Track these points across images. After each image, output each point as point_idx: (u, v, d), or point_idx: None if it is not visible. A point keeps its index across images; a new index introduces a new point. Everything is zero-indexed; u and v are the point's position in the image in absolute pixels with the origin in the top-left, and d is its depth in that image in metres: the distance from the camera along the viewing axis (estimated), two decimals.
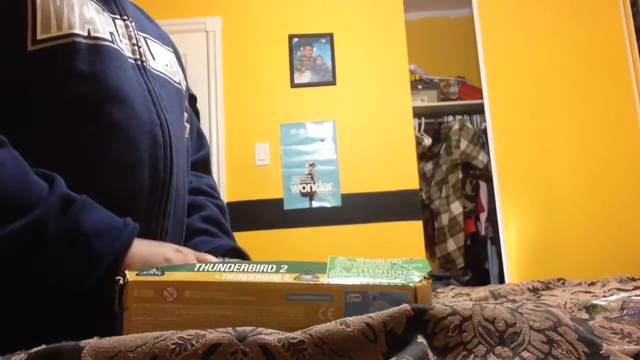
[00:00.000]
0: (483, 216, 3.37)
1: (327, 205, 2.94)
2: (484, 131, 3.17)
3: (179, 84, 0.89)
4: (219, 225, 0.93)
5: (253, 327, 0.43)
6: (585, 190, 2.85)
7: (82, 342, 0.42)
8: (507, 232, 2.85)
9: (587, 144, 2.89)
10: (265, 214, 2.91)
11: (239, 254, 0.88)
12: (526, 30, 3.01)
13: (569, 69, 2.95)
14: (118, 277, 0.53)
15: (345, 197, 2.95)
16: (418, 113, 3.37)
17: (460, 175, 3.37)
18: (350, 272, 0.55)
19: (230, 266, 0.56)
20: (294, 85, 3.06)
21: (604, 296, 1.12)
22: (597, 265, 2.64)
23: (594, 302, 0.98)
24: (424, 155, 3.50)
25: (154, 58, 0.83)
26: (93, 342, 0.42)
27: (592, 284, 1.47)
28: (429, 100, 3.45)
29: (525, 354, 0.44)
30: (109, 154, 0.69)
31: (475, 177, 3.39)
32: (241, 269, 0.55)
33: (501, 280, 2.97)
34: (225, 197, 2.86)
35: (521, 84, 2.96)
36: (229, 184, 2.95)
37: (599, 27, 2.99)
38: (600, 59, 2.95)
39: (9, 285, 0.60)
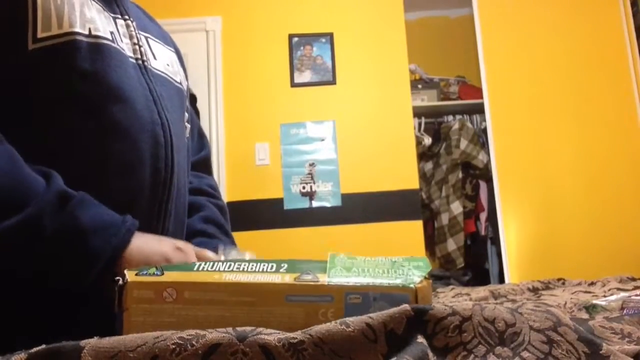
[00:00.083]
0: (483, 216, 3.37)
1: (327, 205, 2.94)
2: (484, 131, 3.17)
3: (180, 83, 0.89)
4: (218, 225, 0.93)
5: (253, 327, 0.43)
6: (585, 190, 2.85)
7: (82, 342, 0.42)
8: (507, 232, 2.85)
9: (587, 143, 2.89)
10: (265, 214, 2.91)
11: None
12: (526, 30, 3.01)
13: (569, 69, 2.95)
14: (117, 278, 0.53)
15: (345, 197, 2.95)
16: (418, 113, 3.37)
17: (460, 175, 3.37)
18: (351, 272, 0.55)
19: (230, 265, 0.56)
20: (294, 84, 3.06)
21: (604, 296, 1.12)
22: (597, 265, 2.64)
23: (594, 302, 0.98)
24: (424, 155, 3.50)
25: (155, 58, 0.83)
26: (93, 342, 0.42)
27: (592, 284, 1.47)
28: (429, 99, 3.45)
29: (525, 354, 0.44)
30: (110, 154, 0.69)
31: (475, 176, 3.39)
32: (241, 268, 0.55)
33: (501, 280, 2.97)
34: (225, 196, 2.86)
35: (521, 84, 2.96)
36: (229, 183, 2.95)
37: (599, 27, 2.99)
38: (600, 59, 2.95)
39: (8, 284, 0.60)
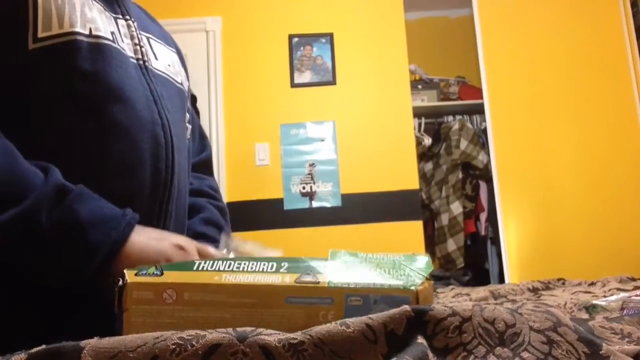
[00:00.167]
0: (483, 216, 3.37)
1: (327, 205, 2.94)
2: (484, 131, 3.17)
3: (181, 84, 0.89)
4: (219, 227, 0.93)
5: (253, 328, 0.43)
6: (585, 190, 2.85)
7: (82, 342, 0.42)
8: (507, 232, 2.85)
9: (587, 143, 2.89)
10: (265, 214, 2.91)
11: None
12: (526, 30, 3.01)
13: (569, 69, 2.95)
14: (117, 278, 0.53)
15: (345, 197, 2.95)
16: (418, 113, 3.37)
17: (460, 175, 3.37)
18: (352, 272, 0.55)
19: (230, 264, 0.56)
20: (294, 85, 3.06)
21: (604, 296, 1.12)
22: (597, 265, 2.64)
23: (594, 302, 0.98)
24: (424, 155, 3.50)
25: (156, 58, 0.83)
26: (93, 342, 0.42)
27: (592, 284, 1.47)
28: (429, 100, 3.45)
29: (525, 355, 0.44)
30: (110, 154, 0.69)
31: (475, 177, 3.39)
32: (241, 268, 0.55)
33: (501, 280, 2.97)
34: (226, 197, 2.86)
35: (521, 84, 2.96)
36: (229, 184, 2.95)
37: (599, 27, 2.99)
38: (600, 59, 2.95)
39: (8, 284, 0.60)
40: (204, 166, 1.02)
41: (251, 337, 0.42)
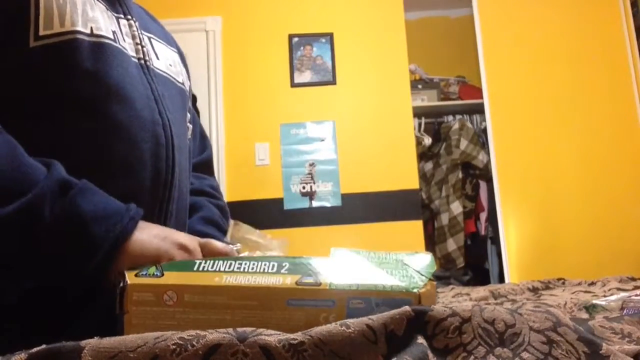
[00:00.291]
0: (483, 216, 3.37)
1: (327, 205, 2.94)
2: (484, 131, 3.17)
3: (182, 84, 0.89)
4: (217, 226, 0.93)
5: (253, 328, 0.43)
6: (585, 190, 2.85)
7: (83, 342, 0.42)
8: (507, 232, 2.85)
9: (587, 143, 2.89)
10: (265, 214, 2.91)
11: None
12: (526, 30, 3.01)
13: (569, 69, 2.95)
14: (118, 279, 0.53)
15: (345, 197, 2.95)
16: (418, 113, 3.37)
17: (460, 175, 3.37)
18: (354, 273, 0.54)
19: (231, 264, 0.55)
20: (294, 85, 3.06)
21: (604, 296, 1.12)
22: (597, 265, 2.64)
23: (594, 302, 0.98)
24: (424, 155, 3.50)
25: (157, 58, 0.83)
26: (93, 342, 0.42)
27: (592, 284, 1.47)
28: (429, 100, 3.45)
29: (525, 355, 0.44)
30: (111, 153, 0.69)
31: (475, 177, 3.39)
32: (241, 269, 0.55)
33: (501, 280, 2.96)
34: (226, 197, 2.85)
35: (521, 84, 2.96)
36: (229, 183, 2.95)
37: (599, 27, 2.99)
38: (600, 59, 2.95)
39: (9, 284, 0.60)
40: (204, 166, 1.02)
41: (251, 338, 0.42)
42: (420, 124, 3.46)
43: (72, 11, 0.69)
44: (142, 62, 0.78)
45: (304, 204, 2.94)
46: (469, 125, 3.39)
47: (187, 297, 0.52)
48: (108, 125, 0.69)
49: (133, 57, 0.76)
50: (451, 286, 1.90)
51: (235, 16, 3.11)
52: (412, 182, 2.97)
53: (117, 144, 0.69)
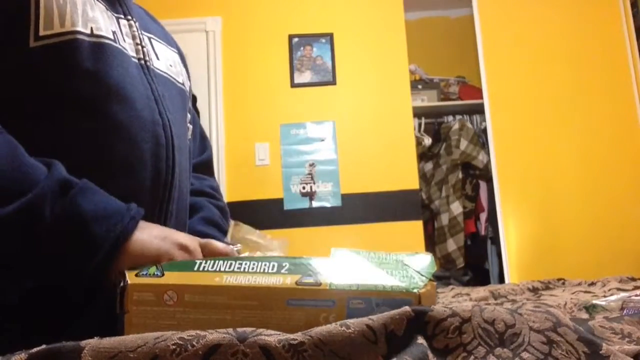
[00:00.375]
0: (483, 216, 3.37)
1: (327, 205, 2.94)
2: (484, 131, 3.17)
3: (183, 84, 0.89)
4: (217, 226, 0.93)
5: (253, 328, 0.43)
6: (585, 190, 2.85)
7: (83, 343, 0.42)
8: (507, 232, 2.85)
9: (587, 143, 2.89)
10: (265, 214, 2.91)
11: None
12: (526, 30, 3.01)
13: (569, 69, 2.95)
14: (119, 279, 0.53)
15: (345, 197, 2.95)
16: (418, 113, 3.37)
17: (460, 175, 3.37)
18: (354, 273, 0.54)
19: (231, 264, 0.55)
20: (294, 85, 3.06)
21: (604, 296, 1.12)
22: (597, 265, 2.64)
23: (594, 302, 0.98)
24: (424, 155, 3.50)
25: (157, 58, 0.83)
26: (93, 342, 0.42)
27: (592, 284, 1.47)
28: (429, 100, 3.45)
29: (525, 355, 0.44)
30: (111, 153, 0.69)
31: (475, 177, 3.39)
32: (242, 269, 0.55)
33: (501, 280, 2.96)
34: (226, 197, 2.86)
35: (521, 84, 2.96)
36: (229, 184, 2.95)
37: (599, 27, 2.99)
38: (600, 59, 2.95)
39: (9, 283, 0.60)
40: (204, 167, 1.02)
41: (251, 338, 0.42)
42: (420, 124, 3.46)
43: (72, 11, 0.69)
44: (142, 62, 0.78)
45: (304, 204, 2.94)
46: (469, 125, 3.39)
47: (187, 297, 0.52)
48: (108, 126, 0.69)
49: (133, 57, 0.76)
50: (451, 286, 1.90)
51: (235, 16, 3.11)
52: (412, 182, 2.97)
53: (117, 144, 0.69)
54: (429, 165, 3.52)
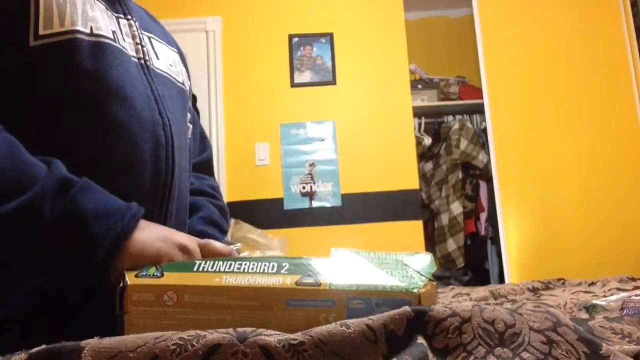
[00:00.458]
0: (483, 216, 3.37)
1: (327, 205, 2.94)
2: (484, 131, 3.17)
3: (183, 84, 0.89)
4: (217, 225, 0.93)
5: (253, 328, 0.43)
6: (585, 190, 2.85)
7: (83, 343, 0.42)
8: (507, 232, 2.85)
9: (587, 143, 2.89)
10: (265, 214, 2.91)
11: None
12: (526, 30, 3.01)
13: (569, 69, 2.95)
14: (118, 279, 0.53)
15: (345, 197, 2.95)
16: (418, 113, 3.37)
17: (460, 175, 3.37)
18: (354, 273, 0.54)
19: (231, 265, 0.55)
20: (294, 85, 3.06)
21: (604, 296, 1.12)
22: (597, 265, 2.64)
23: (594, 302, 0.98)
24: (424, 155, 3.50)
25: (157, 57, 0.83)
26: (93, 342, 0.42)
27: (592, 284, 1.47)
28: (429, 100, 3.45)
29: (525, 355, 0.44)
30: (110, 153, 0.69)
31: (475, 177, 3.39)
32: (241, 269, 0.55)
33: (501, 280, 2.96)
34: (226, 197, 2.86)
35: (521, 84, 2.96)
36: (229, 184, 2.95)
37: (599, 27, 2.99)
38: (601, 58, 2.95)
39: (9, 282, 0.60)
40: (204, 166, 1.02)
41: (251, 338, 0.42)
42: (420, 124, 3.46)
43: (72, 11, 0.69)
44: (142, 61, 0.78)
45: (304, 204, 2.94)
46: (469, 125, 3.39)
47: (187, 298, 0.52)
48: (108, 125, 0.69)
49: (133, 56, 0.76)
50: (451, 286, 1.89)
51: (235, 16, 3.11)
52: (412, 182, 2.97)
53: (117, 143, 0.69)
54: (429, 165, 3.52)
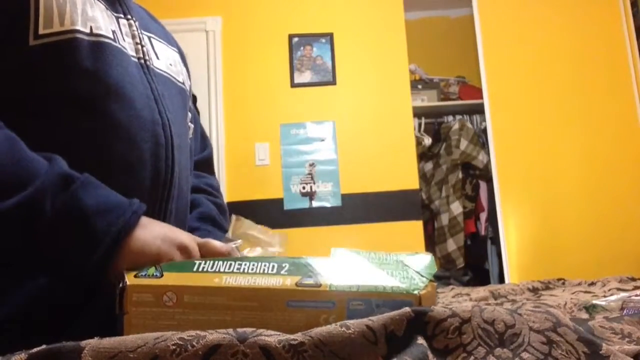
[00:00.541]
0: (483, 216, 3.37)
1: (327, 205, 2.94)
2: (484, 131, 3.17)
3: (183, 83, 0.89)
4: (212, 221, 0.93)
5: (253, 329, 0.43)
6: (585, 190, 2.85)
7: (83, 343, 0.42)
8: (507, 232, 2.85)
9: (587, 143, 2.89)
10: (265, 214, 2.91)
11: None
12: (526, 30, 3.01)
13: (569, 69, 2.95)
14: (118, 280, 0.53)
15: (345, 197, 2.95)
16: (418, 113, 3.37)
17: (460, 175, 3.37)
18: (354, 274, 0.54)
19: (231, 265, 0.55)
20: (294, 85, 3.06)
21: (604, 296, 1.12)
22: (597, 265, 2.64)
23: (594, 302, 0.98)
24: (424, 155, 3.50)
25: (157, 57, 0.83)
26: (93, 342, 0.42)
27: (592, 284, 1.47)
28: (429, 100, 3.45)
29: (525, 355, 0.44)
30: (110, 153, 0.69)
31: (475, 177, 3.39)
32: (241, 270, 0.55)
33: (501, 280, 2.97)
34: (226, 197, 2.85)
35: (521, 84, 2.96)
36: (229, 183, 2.95)
37: (599, 27, 2.99)
38: (601, 58, 2.95)
39: (9, 281, 0.60)
40: (205, 165, 1.02)
41: (251, 338, 0.42)
42: (420, 124, 3.46)
43: (72, 10, 0.69)
44: (142, 61, 0.78)
45: (304, 204, 2.94)
46: (469, 125, 3.39)
47: (186, 298, 0.52)
48: (107, 125, 0.69)
49: (133, 56, 0.76)
50: (451, 286, 1.89)
51: (235, 16, 3.11)
52: (412, 182, 2.97)
53: (116, 143, 0.69)
54: (429, 165, 3.52)
